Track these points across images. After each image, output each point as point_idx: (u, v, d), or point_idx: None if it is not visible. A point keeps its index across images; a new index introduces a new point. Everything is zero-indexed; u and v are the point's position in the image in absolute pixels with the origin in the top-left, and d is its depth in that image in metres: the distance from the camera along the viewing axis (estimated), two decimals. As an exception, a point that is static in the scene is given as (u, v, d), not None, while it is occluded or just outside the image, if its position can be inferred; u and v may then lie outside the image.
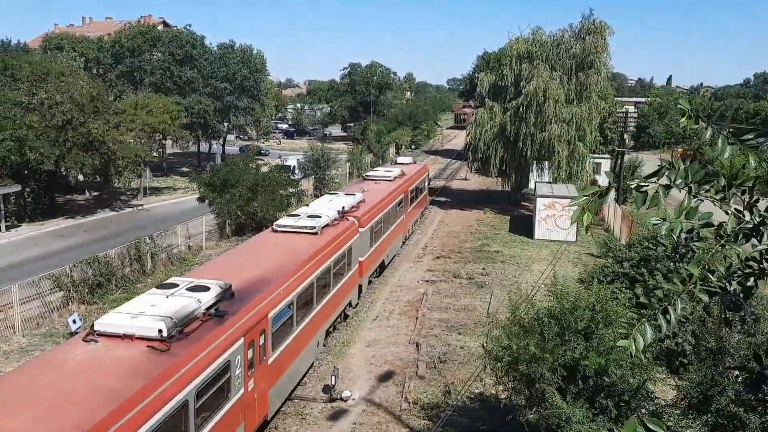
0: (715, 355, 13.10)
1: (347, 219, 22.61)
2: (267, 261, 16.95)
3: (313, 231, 19.73)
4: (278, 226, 20.31)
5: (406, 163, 39.90)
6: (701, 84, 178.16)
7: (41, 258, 30.06)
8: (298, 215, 21.36)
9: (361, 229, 23.36)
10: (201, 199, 35.49)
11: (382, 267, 28.42)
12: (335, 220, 21.46)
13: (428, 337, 21.48)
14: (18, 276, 24.43)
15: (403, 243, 33.39)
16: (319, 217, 20.83)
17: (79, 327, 20.15)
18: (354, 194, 26.01)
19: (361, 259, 23.68)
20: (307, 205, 24.82)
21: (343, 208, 23.14)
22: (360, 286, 24.27)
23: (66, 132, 37.14)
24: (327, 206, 23.16)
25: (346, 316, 22.76)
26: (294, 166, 51.60)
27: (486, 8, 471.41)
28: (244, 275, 15.19)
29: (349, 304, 22.86)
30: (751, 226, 4.19)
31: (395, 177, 33.14)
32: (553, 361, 12.02)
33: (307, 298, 17.46)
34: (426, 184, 40.94)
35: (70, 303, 23.14)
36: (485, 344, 13.79)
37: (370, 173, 34.80)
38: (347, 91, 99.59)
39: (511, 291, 19.03)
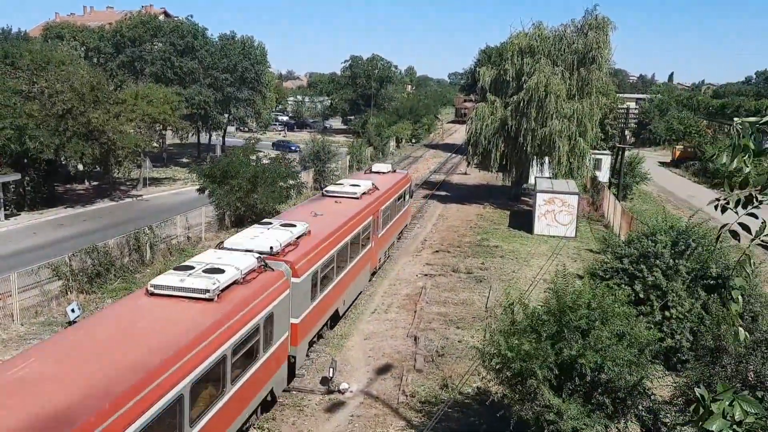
0: (712, 353, 13.12)
1: (272, 268, 15.57)
2: (97, 364, 10.11)
3: (206, 296, 12.87)
4: (155, 287, 13.19)
5: (383, 172, 32.91)
6: (703, 81, 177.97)
7: (40, 247, 30.08)
8: (192, 267, 14.11)
9: (295, 280, 16.60)
10: (201, 190, 35.45)
11: (335, 317, 21.59)
12: (249, 272, 14.55)
13: (426, 330, 21.51)
14: (17, 264, 24.46)
15: (372, 276, 26.92)
16: (222, 271, 13.81)
17: (78, 316, 20.18)
18: (294, 225, 18.96)
19: (294, 320, 16.86)
20: (221, 244, 17.13)
21: (271, 249, 16.63)
22: (292, 360, 17.15)
23: (66, 121, 37.07)
24: (245, 248, 16.52)
25: (271, 403, 16.27)
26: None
27: (488, 2, 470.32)
28: (23, 410, 8.63)
29: (271, 393, 15.71)
30: None
31: (363, 193, 26.27)
32: (545, 358, 12.02)
33: (170, 422, 10.53)
34: (408, 197, 33.91)
35: (69, 292, 23.16)
36: (480, 345, 13.73)
37: (331, 188, 26.69)
38: (348, 84, 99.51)
39: (507, 289, 19.00)
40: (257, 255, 15.67)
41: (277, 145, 64.93)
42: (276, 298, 15.03)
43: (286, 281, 15.89)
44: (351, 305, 23.40)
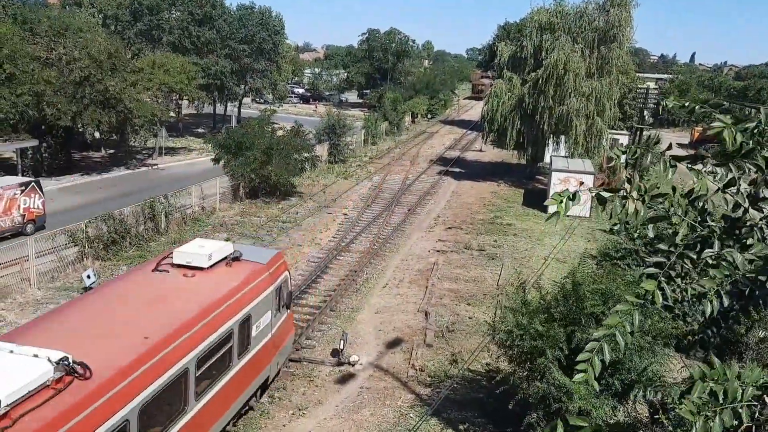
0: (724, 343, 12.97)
1: None
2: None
3: None
4: None
5: (199, 268, 13.08)
6: (725, 62, 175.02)
7: (57, 213, 30.36)
8: None
9: None
10: (215, 161, 35.55)
11: None
12: None
13: (437, 306, 21.61)
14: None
15: None
16: None
17: (93, 282, 20.45)
18: None
19: None
20: None
21: None
22: None
23: (83, 88, 37.16)
24: None
25: None
26: None
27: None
28: None
29: None
30: None
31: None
32: (555, 338, 12.02)
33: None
34: (275, 313, 14.90)
35: (85, 258, 23.45)
36: (491, 321, 13.79)
37: None
38: (365, 58, 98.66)
39: (518, 270, 19.00)
40: None
41: None
42: None
43: None
44: None
